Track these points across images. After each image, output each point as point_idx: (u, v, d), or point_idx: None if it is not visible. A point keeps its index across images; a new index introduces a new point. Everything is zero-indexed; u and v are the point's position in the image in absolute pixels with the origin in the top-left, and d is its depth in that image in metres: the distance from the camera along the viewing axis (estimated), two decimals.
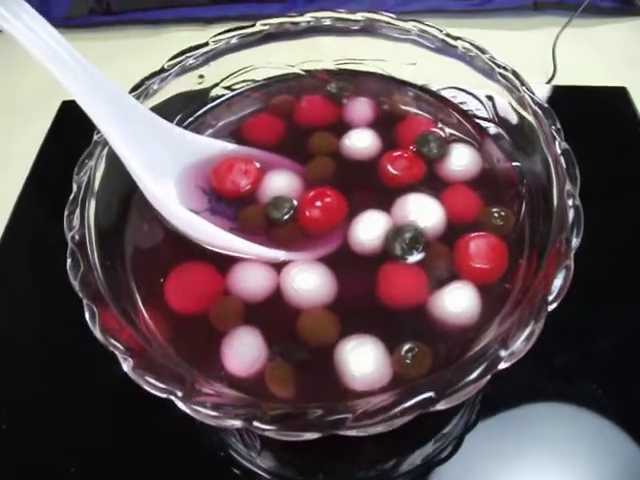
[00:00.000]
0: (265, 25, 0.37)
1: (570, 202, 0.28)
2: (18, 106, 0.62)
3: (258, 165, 0.35)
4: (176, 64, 0.36)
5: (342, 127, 0.37)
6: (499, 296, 0.29)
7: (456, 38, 0.35)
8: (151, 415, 0.36)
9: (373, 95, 0.39)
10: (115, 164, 0.32)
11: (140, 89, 0.35)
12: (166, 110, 0.35)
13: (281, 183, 0.34)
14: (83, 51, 0.66)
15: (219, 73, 0.38)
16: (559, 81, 0.57)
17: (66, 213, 0.29)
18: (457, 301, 0.29)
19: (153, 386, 0.23)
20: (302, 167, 0.35)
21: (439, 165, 0.35)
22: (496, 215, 0.32)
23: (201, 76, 0.37)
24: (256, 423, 0.22)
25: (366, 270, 0.31)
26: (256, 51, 0.38)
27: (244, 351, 0.28)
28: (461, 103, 0.37)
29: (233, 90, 0.39)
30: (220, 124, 0.38)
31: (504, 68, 0.34)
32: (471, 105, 0.37)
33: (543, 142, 0.31)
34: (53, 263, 0.43)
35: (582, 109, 0.51)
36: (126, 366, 0.24)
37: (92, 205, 0.30)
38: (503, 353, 0.23)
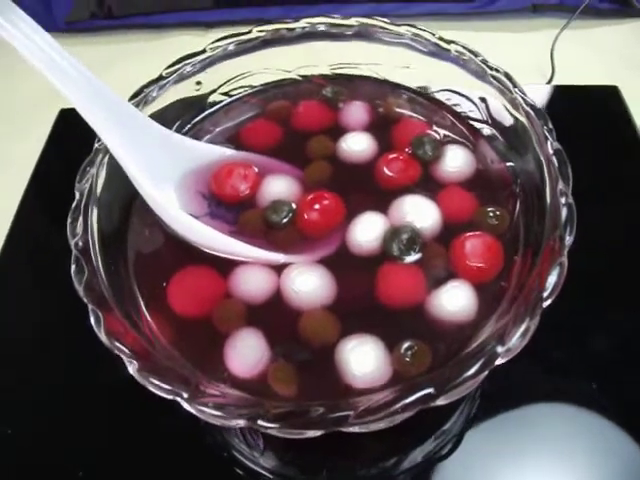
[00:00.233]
0: (261, 32, 0.37)
1: (563, 200, 0.28)
2: (18, 111, 0.62)
3: (257, 170, 0.35)
4: (174, 72, 0.36)
5: (338, 131, 0.37)
6: (495, 294, 0.29)
7: (449, 42, 0.36)
8: (155, 417, 0.36)
9: (368, 99, 0.39)
10: (116, 171, 0.32)
11: (139, 97, 0.35)
12: (165, 117, 0.36)
13: (280, 187, 0.34)
14: (85, 55, 0.66)
15: (216, 79, 0.39)
16: (557, 82, 0.57)
17: (69, 220, 0.30)
18: (454, 300, 0.30)
19: (159, 388, 0.24)
20: (300, 171, 0.35)
21: (434, 167, 0.35)
22: (491, 215, 0.33)
23: (199, 83, 0.38)
24: (260, 422, 0.22)
25: (365, 271, 0.31)
26: (252, 57, 0.38)
27: (247, 352, 0.28)
28: (455, 105, 0.38)
29: (231, 96, 0.39)
30: (218, 130, 0.39)
31: (496, 70, 0.34)
32: (465, 107, 0.37)
33: (535, 142, 0.32)
34: (55, 269, 0.43)
35: (574, 108, 0.52)
36: (132, 369, 0.25)
37: (94, 212, 0.31)
38: (500, 349, 0.24)
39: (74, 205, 0.30)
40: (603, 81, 0.53)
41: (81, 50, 0.66)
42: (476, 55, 0.35)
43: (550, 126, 0.32)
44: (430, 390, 0.23)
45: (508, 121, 0.35)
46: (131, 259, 0.32)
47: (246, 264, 0.32)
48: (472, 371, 0.23)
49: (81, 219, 0.30)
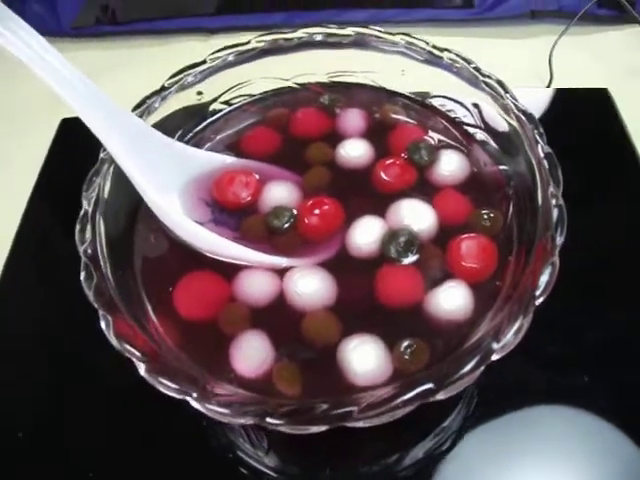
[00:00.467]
0: (260, 42, 0.38)
1: (554, 202, 0.29)
2: (18, 113, 0.62)
3: (258, 177, 0.36)
4: (176, 82, 0.37)
5: (336, 137, 0.38)
6: (490, 293, 0.30)
7: (442, 50, 0.36)
8: (160, 418, 0.37)
9: (365, 106, 0.40)
10: (121, 180, 0.33)
11: (142, 107, 0.36)
12: (167, 126, 0.37)
13: (280, 193, 0.35)
14: (90, 59, 0.68)
15: (217, 89, 0.39)
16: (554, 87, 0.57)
17: (78, 228, 0.30)
18: (451, 299, 0.30)
19: (169, 388, 0.25)
20: (300, 177, 0.36)
21: (430, 171, 0.36)
22: (485, 217, 0.33)
23: (199, 93, 0.38)
24: (268, 419, 0.23)
25: (364, 273, 0.32)
26: (251, 66, 0.39)
27: (252, 353, 0.29)
28: (449, 111, 0.39)
29: (231, 105, 0.40)
30: (219, 138, 0.39)
31: (489, 77, 0.35)
32: (459, 113, 0.38)
33: (527, 146, 0.32)
34: (61, 276, 0.44)
35: (564, 110, 0.52)
36: (142, 370, 0.25)
37: (101, 220, 0.31)
38: (495, 346, 0.25)
39: (82, 213, 0.31)
40: (601, 86, 0.53)
41: (86, 55, 0.67)
42: (469, 62, 0.36)
43: (541, 130, 0.32)
44: (430, 385, 0.24)
45: (501, 126, 0.35)
46: (137, 265, 0.33)
47: (249, 268, 0.32)
48: (469, 367, 0.24)
49: (89, 227, 0.30)
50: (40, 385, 0.40)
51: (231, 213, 0.35)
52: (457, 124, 0.38)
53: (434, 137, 0.38)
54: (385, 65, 0.39)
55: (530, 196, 0.31)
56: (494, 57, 0.60)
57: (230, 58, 0.38)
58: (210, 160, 0.37)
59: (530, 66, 0.61)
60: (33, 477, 0.37)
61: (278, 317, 0.31)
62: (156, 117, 0.37)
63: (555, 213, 0.28)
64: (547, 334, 0.35)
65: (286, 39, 0.39)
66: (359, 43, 0.39)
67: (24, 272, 0.46)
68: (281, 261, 0.32)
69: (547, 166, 0.31)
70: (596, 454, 0.35)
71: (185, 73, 0.37)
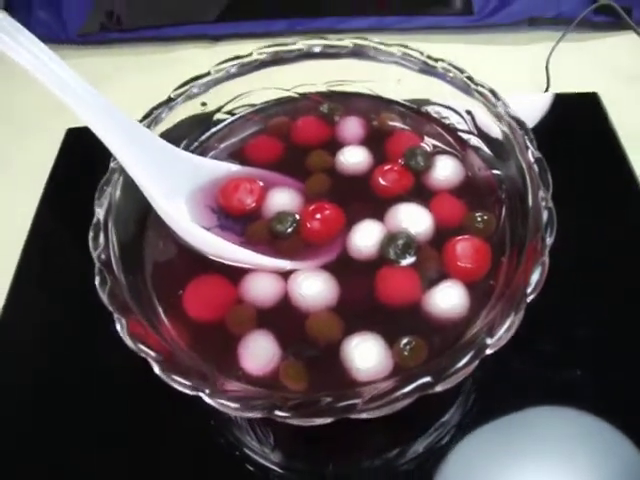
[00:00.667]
0: (261, 54, 0.39)
1: (544, 205, 0.30)
2: (23, 121, 0.62)
3: (261, 184, 0.37)
4: (182, 93, 0.38)
5: (336, 145, 0.39)
6: (485, 291, 0.31)
7: (437, 60, 0.37)
8: (170, 419, 0.38)
9: (362, 114, 0.40)
10: (130, 188, 0.34)
11: (150, 117, 0.37)
12: (173, 135, 0.37)
13: (283, 199, 0.36)
14: (96, 67, 0.68)
15: (220, 99, 0.40)
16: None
17: (91, 235, 0.31)
18: (447, 298, 0.31)
19: (183, 385, 0.26)
20: (301, 183, 0.37)
21: (426, 176, 0.37)
22: (479, 219, 0.34)
23: (204, 104, 0.39)
24: (277, 412, 0.24)
25: (365, 274, 0.33)
26: (253, 77, 0.40)
27: (259, 352, 0.30)
28: (444, 118, 0.39)
29: (234, 114, 0.41)
30: (224, 146, 0.40)
31: (481, 86, 0.36)
32: (453, 120, 0.39)
33: (518, 151, 0.33)
34: (71, 283, 0.45)
35: (556, 115, 0.53)
36: (157, 369, 0.26)
37: (113, 227, 0.32)
38: (489, 341, 0.26)
39: (94, 221, 0.32)
40: (596, 91, 0.54)
41: (93, 61, 0.68)
42: (462, 72, 0.37)
43: (531, 136, 0.33)
44: (428, 379, 0.25)
45: (493, 132, 0.36)
46: (148, 269, 0.34)
47: (255, 271, 0.33)
48: (464, 361, 0.25)
49: (102, 234, 0.31)
50: (46, 386, 0.41)
51: (236, 219, 0.36)
52: (451, 130, 0.39)
53: (429, 143, 0.39)
54: (382, 74, 0.40)
55: (521, 199, 0.32)
56: (492, 63, 0.62)
57: (233, 70, 0.39)
58: (215, 168, 0.37)
59: (528, 72, 0.61)
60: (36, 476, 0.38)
61: (283, 318, 0.31)
62: (163, 127, 0.37)
63: (545, 215, 0.29)
64: (540, 331, 0.36)
65: (286, 51, 0.40)
66: (357, 53, 0.39)
67: (33, 282, 0.47)
68: (285, 264, 0.33)
69: (537, 170, 0.32)
70: (592, 452, 0.35)
71: (190, 84, 0.38)
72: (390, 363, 0.29)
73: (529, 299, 0.27)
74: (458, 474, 0.35)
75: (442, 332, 0.30)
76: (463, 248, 0.33)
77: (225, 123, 0.41)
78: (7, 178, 0.57)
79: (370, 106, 0.41)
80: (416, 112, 0.40)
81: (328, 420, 0.25)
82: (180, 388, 0.26)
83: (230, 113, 0.41)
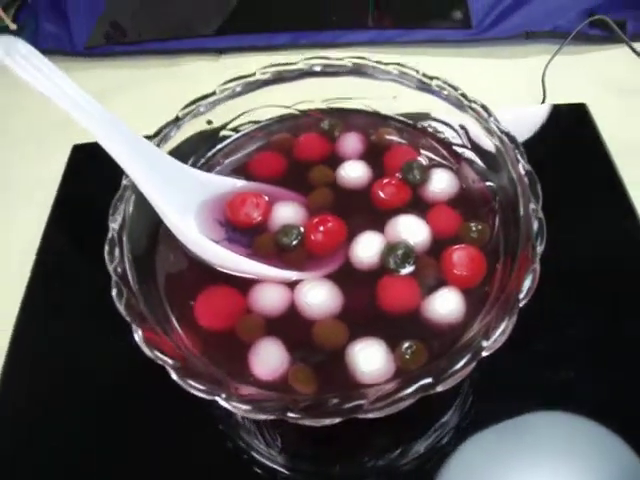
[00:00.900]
0: (264, 74, 0.40)
1: (534, 215, 0.31)
2: (28, 135, 0.63)
3: (267, 198, 0.38)
4: (188, 112, 0.39)
5: (336, 160, 0.40)
6: (480, 297, 0.32)
7: (431, 77, 0.38)
8: (180, 425, 0.39)
9: (361, 130, 0.41)
10: (142, 205, 0.35)
11: (159, 136, 0.38)
12: (181, 152, 0.39)
13: (288, 213, 0.37)
14: (103, 79, 0.66)
15: (225, 117, 0.41)
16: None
17: (107, 249, 0.32)
18: (445, 304, 0.32)
19: (199, 390, 0.27)
20: (305, 198, 0.38)
21: (423, 189, 0.38)
22: (474, 229, 0.35)
23: (209, 122, 0.40)
24: (289, 413, 0.26)
25: (367, 283, 0.34)
26: (256, 95, 0.41)
27: (269, 358, 0.31)
28: (439, 133, 0.40)
29: (238, 131, 0.42)
30: (229, 162, 0.41)
31: (474, 102, 0.37)
32: (448, 134, 0.40)
33: (509, 164, 0.35)
34: (83, 297, 0.46)
35: (548, 126, 0.54)
36: (174, 375, 0.28)
37: (127, 241, 0.33)
38: (485, 344, 0.27)
39: (109, 236, 0.33)
40: (593, 104, 0.55)
41: (99, 74, 0.69)
42: (456, 89, 0.38)
43: (522, 150, 0.35)
44: (429, 380, 0.26)
45: (486, 146, 0.37)
46: (160, 281, 0.35)
47: (263, 282, 0.34)
48: (462, 363, 0.26)
49: (117, 249, 0.32)
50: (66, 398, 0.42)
51: (243, 232, 0.37)
52: (446, 144, 0.40)
53: (426, 157, 0.40)
54: (379, 92, 0.41)
55: (514, 209, 0.33)
56: (490, 75, 0.64)
57: (237, 89, 0.40)
58: (222, 184, 0.39)
59: (525, 84, 0.61)
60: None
61: (291, 325, 0.33)
62: (171, 145, 0.39)
63: (535, 225, 0.31)
64: (533, 334, 0.37)
65: (288, 70, 0.41)
66: (355, 72, 0.41)
67: (44, 298, 0.47)
68: (291, 275, 0.34)
69: (528, 182, 0.33)
70: (589, 455, 0.36)
71: (197, 104, 0.39)
72: (393, 366, 0.30)
73: (522, 304, 0.28)
74: (457, 467, 0.36)
75: (441, 336, 0.31)
76: (459, 257, 0.34)
77: (230, 140, 0.42)
78: (11, 195, 0.58)
79: (368, 122, 0.42)
80: (412, 127, 0.41)
81: (336, 420, 0.26)
82: (197, 393, 0.27)
83: (235, 130, 0.42)
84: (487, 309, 0.31)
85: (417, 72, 0.39)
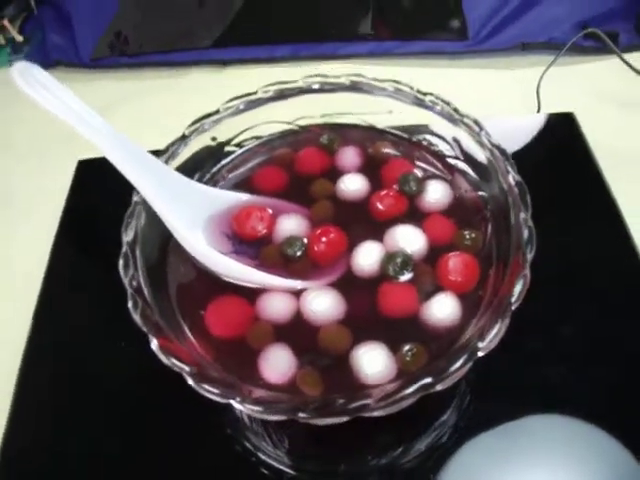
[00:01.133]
0: (266, 92, 0.42)
1: (524, 224, 0.33)
2: (31, 150, 0.64)
3: (271, 211, 0.39)
4: (194, 130, 0.41)
5: (336, 173, 0.41)
6: (475, 302, 0.33)
7: (425, 94, 0.40)
8: (190, 430, 0.40)
9: (359, 144, 0.43)
10: (152, 219, 0.37)
11: (167, 153, 0.39)
12: (187, 168, 0.40)
13: (291, 225, 0.38)
14: (108, 90, 0.67)
15: (229, 133, 0.43)
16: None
17: (121, 263, 0.34)
18: (442, 308, 0.33)
19: (215, 394, 0.28)
20: (307, 210, 0.39)
21: (418, 199, 0.39)
22: (467, 237, 0.36)
23: (214, 138, 0.42)
24: (300, 413, 0.27)
25: (368, 290, 0.35)
26: (258, 112, 0.43)
27: (278, 363, 0.32)
28: (433, 145, 0.42)
29: (242, 147, 0.44)
30: (233, 177, 0.43)
31: (466, 116, 0.39)
32: (441, 147, 0.41)
33: (500, 175, 0.36)
34: (94, 309, 0.47)
35: (536, 135, 0.55)
36: (190, 381, 0.29)
37: (140, 255, 0.35)
38: (480, 345, 0.28)
39: (123, 251, 0.34)
40: (587, 114, 0.56)
41: (104, 85, 0.70)
42: (448, 104, 0.40)
43: (511, 161, 0.36)
44: (429, 379, 0.28)
45: (478, 157, 0.38)
46: (172, 292, 0.36)
47: (269, 291, 0.35)
48: (460, 363, 0.28)
49: (131, 262, 0.34)
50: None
51: (250, 244, 0.38)
52: (440, 157, 0.41)
53: (421, 169, 0.41)
54: (375, 107, 0.43)
55: (505, 217, 0.34)
56: (486, 86, 0.65)
57: (241, 106, 0.42)
58: (228, 198, 0.40)
59: (520, 95, 0.62)
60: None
61: (297, 332, 0.34)
62: (178, 161, 0.40)
63: (525, 233, 0.32)
64: (526, 335, 0.38)
65: (288, 88, 0.43)
66: (352, 88, 0.42)
67: (56, 311, 0.48)
68: (296, 284, 0.36)
69: (517, 192, 0.34)
70: (586, 457, 0.36)
71: (202, 122, 0.41)
72: (394, 368, 0.32)
73: (514, 307, 0.30)
74: (456, 464, 0.37)
75: (439, 338, 0.33)
76: (454, 263, 0.35)
77: (234, 155, 0.43)
78: (13, 210, 0.59)
79: (365, 136, 0.43)
80: (408, 140, 0.43)
81: (344, 419, 0.28)
82: (213, 397, 0.29)
83: (238, 146, 0.44)
84: (481, 312, 0.32)
85: (411, 88, 0.41)
